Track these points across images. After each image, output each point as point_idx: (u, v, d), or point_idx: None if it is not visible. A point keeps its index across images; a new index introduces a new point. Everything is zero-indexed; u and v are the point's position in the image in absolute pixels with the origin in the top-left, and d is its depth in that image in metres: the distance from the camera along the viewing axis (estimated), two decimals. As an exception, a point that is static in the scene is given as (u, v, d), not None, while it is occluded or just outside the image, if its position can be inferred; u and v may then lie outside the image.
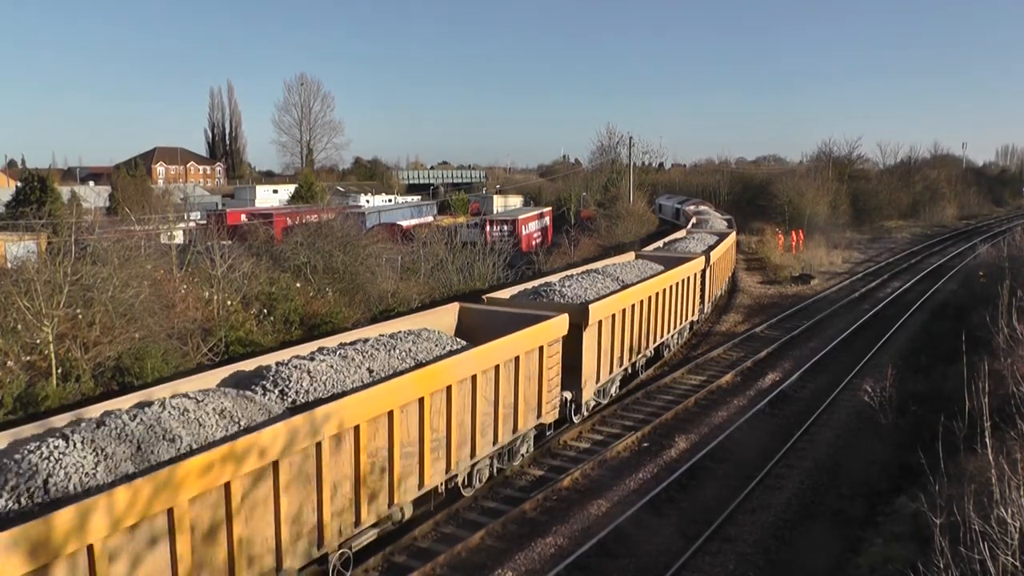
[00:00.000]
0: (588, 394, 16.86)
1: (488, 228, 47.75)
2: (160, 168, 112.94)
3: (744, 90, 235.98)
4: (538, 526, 12.55)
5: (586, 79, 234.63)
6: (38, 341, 13.50)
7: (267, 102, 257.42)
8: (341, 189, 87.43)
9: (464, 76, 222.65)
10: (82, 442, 7.99)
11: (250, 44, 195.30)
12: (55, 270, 14.35)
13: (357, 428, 10.04)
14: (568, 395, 15.87)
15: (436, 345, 12.93)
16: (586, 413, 17.23)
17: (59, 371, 13.37)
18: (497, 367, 13.01)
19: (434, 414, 11.54)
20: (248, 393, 10.01)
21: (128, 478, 7.70)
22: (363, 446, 10.16)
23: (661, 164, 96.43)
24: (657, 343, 21.14)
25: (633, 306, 18.75)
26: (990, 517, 6.81)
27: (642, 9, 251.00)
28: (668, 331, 21.87)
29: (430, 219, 57.15)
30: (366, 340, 12.70)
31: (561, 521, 12.70)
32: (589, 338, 16.34)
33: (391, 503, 10.93)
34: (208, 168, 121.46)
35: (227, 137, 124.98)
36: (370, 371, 11.47)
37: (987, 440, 7.52)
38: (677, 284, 22.09)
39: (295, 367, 10.89)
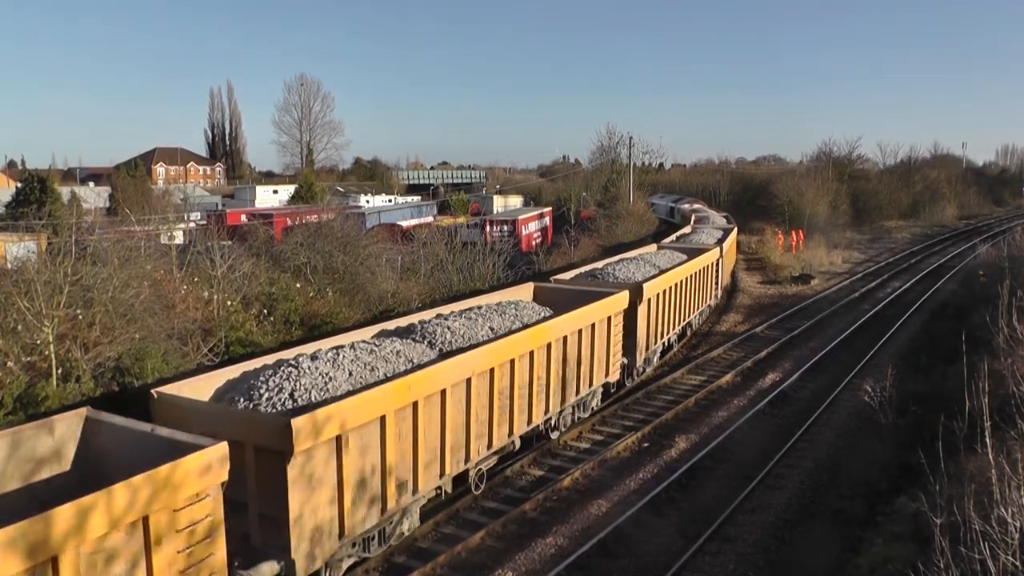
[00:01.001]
0: (640, 360, 19.29)
1: (488, 228, 47.76)
2: (160, 168, 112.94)
3: (744, 90, 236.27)
4: (538, 526, 12.55)
5: (586, 79, 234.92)
6: (38, 341, 13.49)
7: (267, 102, 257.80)
8: (341, 189, 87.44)
9: (464, 76, 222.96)
10: (309, 369, 10.54)
11: (250, 44, 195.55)
12: (55, 270, 14.34)
13: (492, 371, 12.57)
14: (625, 360, 18.35)
15: (531, 312, 15.50)
16: (637, 378, 19.95)
17: (59, 371, 13.36)
18: (580, 331, 15.46)
19: (538, 366, 14.07)
20: (407, 341, 12.64)
21: (349, 394, 10.12)
22: (495, 385, 12.76)
23: (661, 164, 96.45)
24: (686, 320, 23.83)
25: (673, 287, 21.40)
26: (990, 517, 6.81)
27: (642, 9, 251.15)
28: (694, 310, 24.80)
29: (430, 219, 57.15)
30: (479, 307, 15.24)
31: (561, 521, 12.70)
32: (642, 312, 18.92)
33: (511, 433, 13.63)
34: (208, 168, 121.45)
35: (227, 137, 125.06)
36: (491, 329, 14.06)
37: (987, 440, 7.52)
38: (701, 270, 24.88)
39: (438, 324, 13.63)
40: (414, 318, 14.32)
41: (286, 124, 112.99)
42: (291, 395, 10.13)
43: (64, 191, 49.08)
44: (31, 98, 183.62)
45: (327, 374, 10.68)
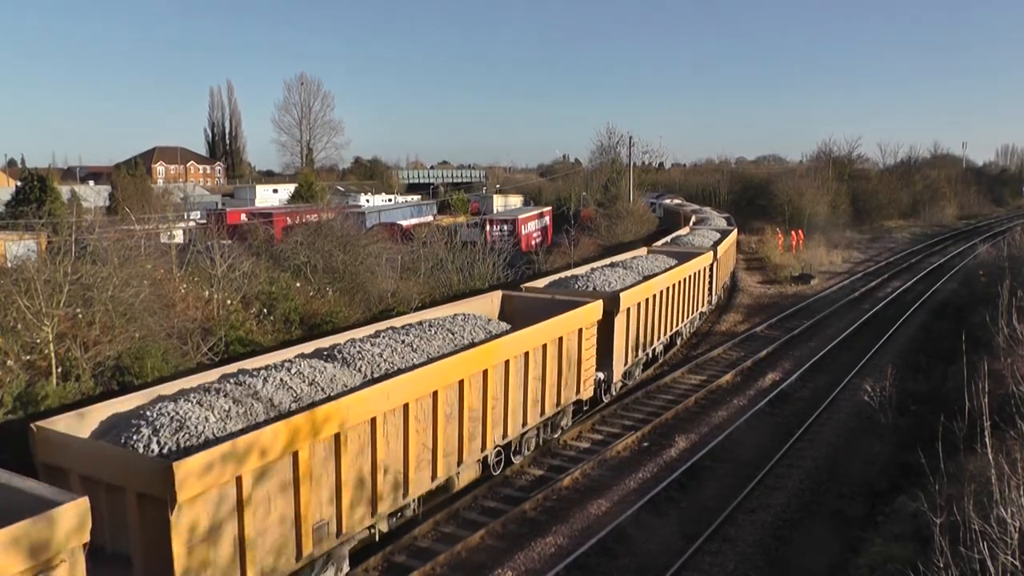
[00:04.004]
0: (617, 375, 18.07)
1: (488, 228, 47.69)
2: (160, 168, 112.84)
3: (744, 90, 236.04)
4: (538, 526, 12.55)
5: (586, 79, 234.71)
6: (38, 340, 13.48)
7: (267, 102, 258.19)
8: (341, 189, 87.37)
9: (464, 76, 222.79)
10: (206, 400, 9.43)
11: (250, 44, 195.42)
12: (55, 269, 14.33)
13: (435, 394, 11.58)
14: (600, 375, 17.23)
15: (488, 327, 14.27)
16: (615, 393, 18.50)
17: (59, 370, 13.35)
18: (545, 345, 14.41)
19: (493, 385, 12.92)
20: (333, 364, 11.70)
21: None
22: (439, 410, 11.71)
23: (661, 164, 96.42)
24: (674, 330, 22.61)
25: (656, 295, 20.25)
26: (990, 517, 6.81)
27: (642, 9, 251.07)
28: (683, 319, 23.45)
29: (430, 219, 57.09)
30: (427, 321, 14.20)
31: (561, 521, 12.70)
32: (620, 323, 17.72)
33: (460, 462, 12.52)
34: (208, 168, 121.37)
35: (227, 137, 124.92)
36: (438, 347, 13.01)
37: (987, 440, 7.52)
38: (691, 276, 23.66)
39: (365, 345, 12.38)
40: (343, 336, 12.94)
41: (286, 123, 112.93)
42: (181, 429, 8.68)
43: (64, 190, 49.02)
44: (31, 97, 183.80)
45: (232, 403, 9.37)
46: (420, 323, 13.92)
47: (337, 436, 9.63)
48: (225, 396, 9.53)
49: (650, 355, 21.02)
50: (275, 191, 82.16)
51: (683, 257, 24.58)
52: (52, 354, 13.34)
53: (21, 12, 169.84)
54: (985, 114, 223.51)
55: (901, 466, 13.65)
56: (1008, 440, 9.52)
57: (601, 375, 17.23)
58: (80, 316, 14.42)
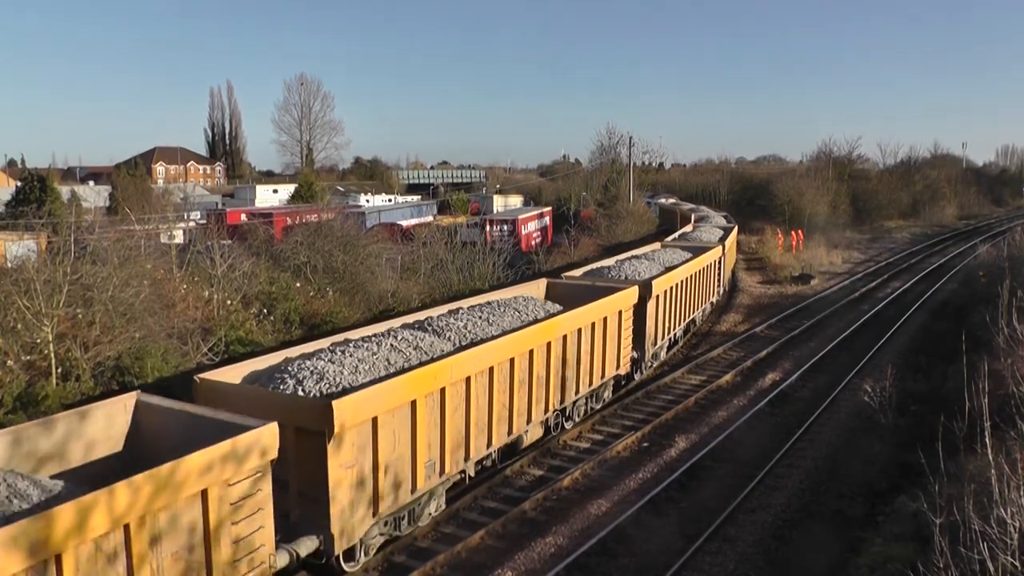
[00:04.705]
0: (649, 354, 19.91)
1: (488, 228, 47.68)
2: (160, 168, 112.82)
3: (744, 90, 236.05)
4: (538, 526, 12.55)
5: (586, 79, 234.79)
6: (38, 340, 13.49)
7: (267, 102, 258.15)
8: (341, 189, 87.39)
9: (464, 76, 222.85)
10: (339, 358, 11.29)
11: (250, 44, 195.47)
12: (55, 269, 14.34)
13: (512, 360, 13.36)
14: (635, 354, 18.96)
15: (543, 307, 16.22)
16: (645, 371, 20.49)
17: (59, 370, 13.36)
18: (593, 324, 16.22)
19: (554, 357, 14.83)
20: (424, 335, 13.35)
21: (379, 380, 10.75)
22: (515, 374, 13.56)
23: (661, 164, 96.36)
24: (690, 317, 24.51)
25: (679, 283, 22.18)
26: (990, 517, 6.81)
27: (642, 9, 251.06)
28: (698, 307, 25.47)
29: (430, 219, 57.11)
30: (493, 302, 15.95)
31: (561, 521, 12.69)
32: (651, 308, 19.71)
33: (529, 420, 14.46)
34: (208, 168, 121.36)
35: (227, 137, 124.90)
36: (510, 321, 14.85)
37: (987, 440, 7.52)
38: (705, 268, 25.58)
39: (452, 319, 14.38)
40: (423, 314, 14.87)
41: (286, 123, 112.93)
42: (322, 380, 10.57)
43: (64, 190, 49.05)
44: (31, 97, 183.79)
45: (357, 361, 11.20)
46: (489, 303, 15.89)
47: (443, 390, 11.55)
48: (350, 356, 11.32)
49: (672, 339, 22.81)
50: (275, 191, 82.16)
51: (695, 251, 26.40)
52: (52, 354, 13.35)
53: (21, 12, 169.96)
54: (985, 114, 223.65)
55: (901, 466, 13.64)
56: (1008, 440, 9.52)
57: (636, 354, 19.01)
58: (80, 316, 14.43)
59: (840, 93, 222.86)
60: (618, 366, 17.80)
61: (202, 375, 10.35)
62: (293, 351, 11.77)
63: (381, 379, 10.80)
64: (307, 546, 9.62)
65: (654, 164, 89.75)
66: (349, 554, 10.39)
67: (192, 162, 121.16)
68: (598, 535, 11.94)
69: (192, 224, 37.71)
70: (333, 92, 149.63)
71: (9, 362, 12.84)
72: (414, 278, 25.88)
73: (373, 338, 12.47)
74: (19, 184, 47.36)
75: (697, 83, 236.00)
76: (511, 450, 14.59)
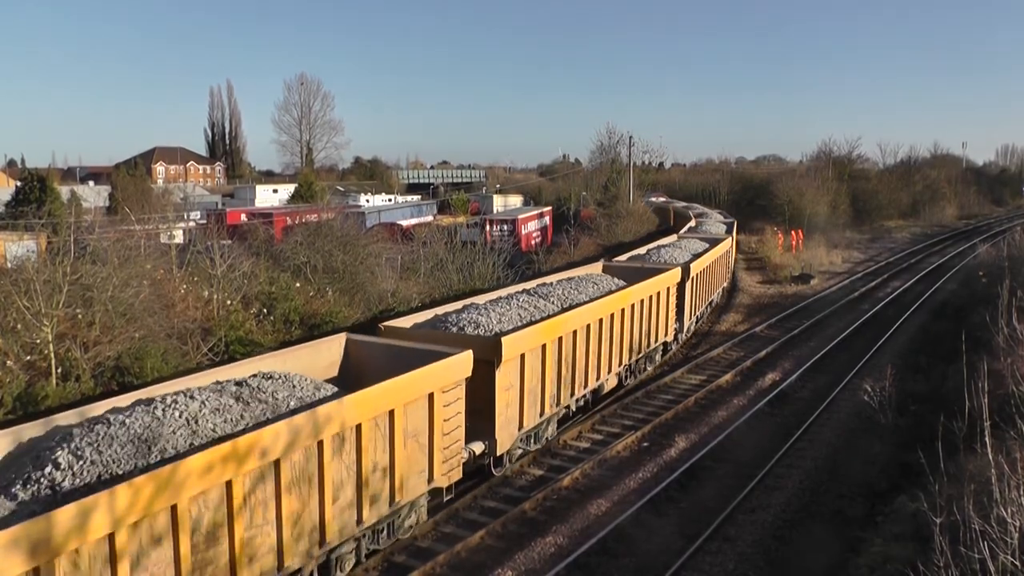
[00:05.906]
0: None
1: (488, 228, 47.70)
2: (160, 168, 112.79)
3: (744, 90, 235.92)
4: (538, 526, 12.55)
5: (586, 78, 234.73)
6: (38, 341, 13.48)
7: (267, 102, 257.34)
8: (341, 189, 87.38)
9: (464, 75, 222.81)
10: (487, 310, 15.47)
11: (250, 44, 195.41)
12: (55, 270, 14.32)
13: (601, 320, 17.05)
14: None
15: (609, 283, 20.06)
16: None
17: (59, 371, 13.35)
18: (650, 297, 20.11)
19: (627, 320, 18.58)
20: (537, 299, 17.46)
21: (519, 328, 14.64)
22: (603, 331, 17.23)
23: (661, 164, 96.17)
24: (711, 299, 28.02)
25: (707, 267, 25.49)
26: (990, 517, 6.81)
27: (642, 8, 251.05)
28: (715, 290, 29.13)
29: (430, 219, 57.11)
30: (575, 277, 19.98)
31: (561, 520, 12.70)
32: (689, 287, 22.77)
33: (620, 364, 18.73)
34: (208, 168, 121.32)
35: (227, 137, 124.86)
36: (588, 293, 18.50)
37: (987, 440, 7.52)
38: (723, 255, 28.20)
39: (556, 286, 18.91)
40: (531, 284, 19.13)
41: (286, 123, 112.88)
42: (478, 327, 14.30)
43: (64, 190, 49.07)
44: (31, 97, 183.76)
45: (501, 315, 15.03)
46: (570, 279, 19.76)
47: (560, 339, 15.04)
48: (493, 312, 15.13)
49: (698, 316, 25.73)
50: (275, 191, 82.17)
51: (711, 241, 29.87)
52: (52, 354, 13.34)
53: (21, 12, 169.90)
54: (985, 114, 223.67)
55: (901, 466, 13.63)
56: (1008, 440, 9.51)
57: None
58: (80, 316, 14.42)
59: (840, 93, 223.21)
60: (666, 333, 21.37)
61: (385, 323, 14.01)
62: (439, 309, 15.58)
63: (521, 327, 14.26)
64: (477, 447, 12.96)
65: (654, 164, 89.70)
66: (498, 461, 13.84)
67: (192, 162, 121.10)
68: (598, 535, 11.95)
69: (192, 224, 37.71)
70: (333, 92, 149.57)
71: (9, 362, 12.83)
72: (414, 278, 25.85)
73: (500, 300, 16.46)
74: (19, 184, 47.34)
75: (697, 83, 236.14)
76: (594, 398, 17.77)
